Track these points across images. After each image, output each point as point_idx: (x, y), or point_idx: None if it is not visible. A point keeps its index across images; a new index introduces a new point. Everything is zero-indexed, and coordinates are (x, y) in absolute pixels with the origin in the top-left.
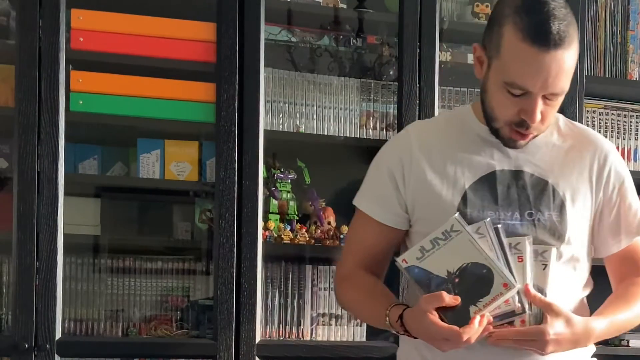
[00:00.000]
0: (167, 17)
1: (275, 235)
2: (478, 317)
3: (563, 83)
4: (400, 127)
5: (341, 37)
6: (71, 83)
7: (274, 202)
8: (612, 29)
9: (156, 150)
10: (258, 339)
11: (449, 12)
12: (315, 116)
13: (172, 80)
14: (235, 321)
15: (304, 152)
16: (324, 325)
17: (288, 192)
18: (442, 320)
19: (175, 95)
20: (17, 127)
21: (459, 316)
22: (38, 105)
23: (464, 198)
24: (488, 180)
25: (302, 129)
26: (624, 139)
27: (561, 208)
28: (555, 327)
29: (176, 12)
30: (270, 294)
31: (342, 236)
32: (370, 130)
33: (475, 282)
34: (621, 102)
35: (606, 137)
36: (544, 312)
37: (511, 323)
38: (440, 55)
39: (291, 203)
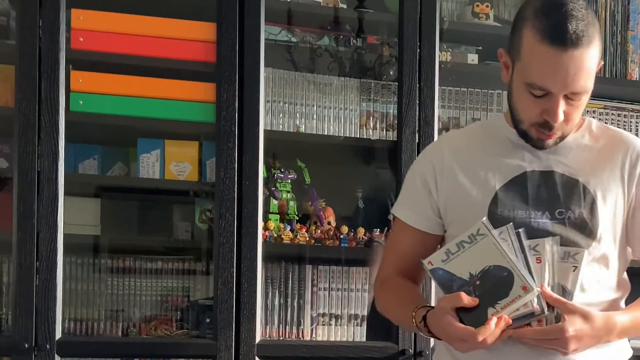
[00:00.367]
0: (167, 17)
1: (275, 235)
2: (494, 319)
3: (583, 82)
4: (400, 127)
5: (341, 37)
6: (71, 83)
7: (274, 202)
8: (612, 29)
9: (156, 150)
10: (258, 339)
11: (449, 12)
12: (315, 116)
13: (172, 80)
14: (235, 321)
15: (304, 152)
16: (324, 325)
17: (288, 192)
18: (461, 321)
19: (175, 95)
20: (17, 127)
21: (477, 317)
22: (38, 105)
23: (495, 199)
24: (519, 181)
25: (302, 129)
26: None
27: (592, 205)
28: (573, 324)
29: (176, 12)
30: (270, 294)
31: (342, 236)
32: (370, 130)
33: (495, 285)
34: (621, 102)
35: None
36: (560, 310)
37: (530, 324)
38: (440, 55)
39: (291, 203)
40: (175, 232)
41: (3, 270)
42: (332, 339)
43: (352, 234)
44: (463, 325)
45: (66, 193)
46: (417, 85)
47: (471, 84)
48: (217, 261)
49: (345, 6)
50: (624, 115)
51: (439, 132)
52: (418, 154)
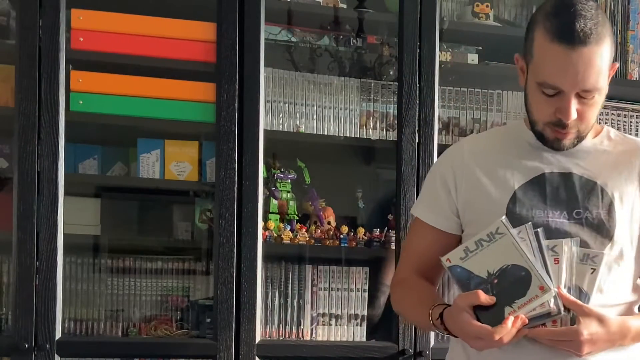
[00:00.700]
0: (167, 17)
1: (275, 235)
2: (511, 318)
3: (594, 80)
4: (400, 127)
5: (341, 37)
6: (71, 83)
7: (274, 202)
8: (612, 29)
9: (156, 150)
10: (258, 339)
11: (449, 12)
12: (315, 116)
13: (172, 80)
14: (235, 321)
15: (304, 152)
16: (324, 325)
17: (288, 192)
18: (478, 319)
19: (175, 95)
20: (17, 127)
21: (494, 316)
22: (38, 105)
23: (513, 198)
24: (537, 182)
25: (302, 129)
26: None
27: (610, 207)
28: (589, 327)
29: (176, 12)
30: (270, 294)
31: (342, 236)
32: (370, 130)
33: (512, 284)
34: (621, 102)
35: None
36: (575, 312)
37: (545, 324)
38: (440, 55)
39: (291, 203)
40: (175, 232)
41: (3, 270)
42: (332, 339)
43: (352, 234)
44: (480, 324)
45: (66, 193)
46: (417, 85)
47: (471, 84)
48: (217, 261)
49: (345, 6)
50: (624, 115)
51: (439, 132)
52: (418, 154)
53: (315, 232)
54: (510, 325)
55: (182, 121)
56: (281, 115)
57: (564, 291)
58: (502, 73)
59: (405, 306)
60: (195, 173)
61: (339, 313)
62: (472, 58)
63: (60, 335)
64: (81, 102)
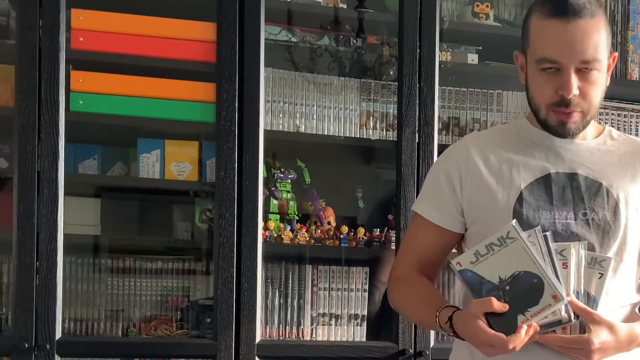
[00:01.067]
0: (167, 17)
1: (275, 235)
2: (525, 327)
3: (592, 50)
4: (400, 127)
5: (341, 37)
6: (71, 83)
7: (274, 202)
8: (612, 29)
9: (156, 150)
10: (258, 339)
11: (449, 12)
12: (315, 116)
13: (172, 80)
14: (235, 321)
15: (304, 152)
16: (324, 325)
17: (288, 192)
18: (489, 325)
19: (175, 95)
20: (17, 127)
21: (506, 323)
22: (38, 105)
23: (520, 198)
24: (544, 182)
25: (302, 129)
26: None
27: (615, 208)
28: (599, 336)
29: (176, 12)
30: (270, 294)
31: (342, 236)
32: (370, 130)
33: (525, 291)
34: (621, 102)
35: None
36: (586, 320)
37: (554, 331)
38: (440, 55)
39: (291, 203)
40: (175, 232)
41: (3, 270)
42: (332, 339)
43: (352, 234)
44: (494, 332)
45: (66, 193)
46: (417, 85)
47: (471, 84)
48: (217, 261)
49: (345, 6)
50: (624, 115)
51: (439, 132)
52: (418, 154)
53: (315, 232)
54: (524, 335)
55: (182, 121)
56: (281, 115)
57: (574, 297)
58: (502, 73)
59: (406, 303)
60: (195, 173)
61: (339, 313)
62: (472, 58)
63: (60, 335)
64: (81, 102)
